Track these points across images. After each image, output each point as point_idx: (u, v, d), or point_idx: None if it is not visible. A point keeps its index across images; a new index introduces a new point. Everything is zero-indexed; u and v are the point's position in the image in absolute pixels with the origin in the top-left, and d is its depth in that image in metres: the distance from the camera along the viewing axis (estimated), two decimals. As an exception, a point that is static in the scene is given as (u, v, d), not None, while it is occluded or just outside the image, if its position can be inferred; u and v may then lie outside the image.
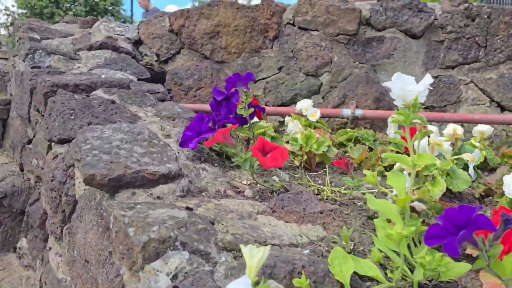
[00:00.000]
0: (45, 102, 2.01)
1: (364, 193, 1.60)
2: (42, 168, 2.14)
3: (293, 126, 1.83)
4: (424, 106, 1.10)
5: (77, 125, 1.65)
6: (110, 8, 29.32)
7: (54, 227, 1.65)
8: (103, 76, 2.33)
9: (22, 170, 2.59)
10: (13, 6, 28.56)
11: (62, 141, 1.67)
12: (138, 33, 2.95)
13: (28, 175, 2.49)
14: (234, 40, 2.78)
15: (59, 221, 1.60)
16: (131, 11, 20.07)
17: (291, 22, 2.79)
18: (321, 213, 1.35)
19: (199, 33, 2.78)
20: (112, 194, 1.28)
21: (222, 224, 1.17)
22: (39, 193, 2.18)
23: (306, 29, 2.77)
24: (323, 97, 2.76)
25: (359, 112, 2.55)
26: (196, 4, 40.56)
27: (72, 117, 1.70)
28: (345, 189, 1.61)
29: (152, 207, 1.13)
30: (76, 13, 28.22)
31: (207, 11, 2.77)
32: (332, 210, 1.36)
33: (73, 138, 1.62)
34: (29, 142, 2.49)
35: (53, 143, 1.78)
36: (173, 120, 1.99)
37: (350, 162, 1.44)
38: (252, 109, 1.71)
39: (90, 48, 2.82)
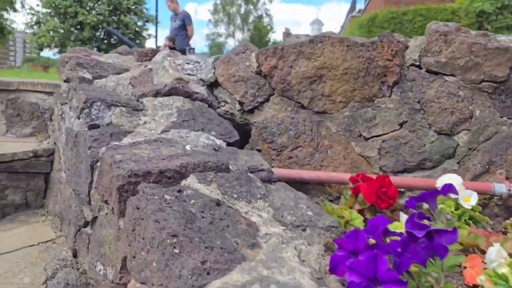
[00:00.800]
0: (119, 199, 1.43)
1: None
2: (112, 281, 1.55)
3: (496, 255, 1.19)
4: None
5: (188, 270, 1.06)
6: (133, 7, 29.04)
7: None
8: (188, 147, 1.73)
9: (75, 256, 2.01)
10: (37, 5, 28.50)
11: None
12: (214, 73, 2.34)
13: (83, 265, 1.92)
14: (341, 87, 2.14)
15: None
16: (156, 11, 19.55)
17: (417, 63, 2.14)
18: None
19: (296, 77, 2.16)
20: None
21: None
22: (108, 315, 1.59)
23: (437, 73, 2.12)
24: (458, 162, 2.12)
25: (517, 188, 1.90)
26: (218, 1, 39.89)
27: (177, 250, 1.11)
28: None
29: None
30: (100, 12, 27.97)
31: (308, 49, 2.14)
32: None
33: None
34: (86, 224, 1.91)
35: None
36: (304, 230, 1.38)
37: None
38: (458, 246, 1.09)
39: (156, 94, 2.23)
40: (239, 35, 38.60)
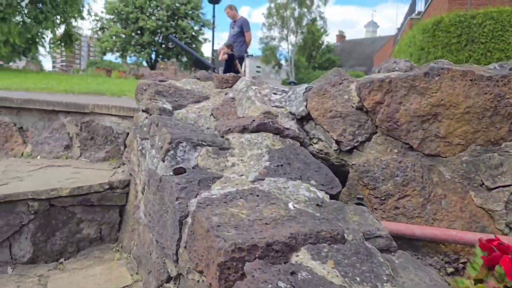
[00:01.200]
0: (219, 276, 1.19)
1: None
2: None
3: None
4: None
5: None
6: (190, 12, 29.49)
7: None
8: (291, 205, 1.47)
9: (155, 309, 1.81)
10: (102, 12, 29.73)
11: None
12: (306, 106, 2.06)
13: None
14: (461, 127, 1.80)
15: None
16: (213, 16, 19.50)
17: (559, 101, 1.75)
18: None
19: (405, 115, 1.84)
20: None
21: None
22: None
23: None
24: None
25: None
26: (272, 5, 39.72)
27: None
28: None
29: None
30: (159, 17, 28.65)
31: (421, 83, 1.81)
32: None
33: None
34: (169, 279, 1.70)
35: None
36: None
37: None
38: None
39: (243, 130, 1.99)
40: (292, 38, 38.17)
